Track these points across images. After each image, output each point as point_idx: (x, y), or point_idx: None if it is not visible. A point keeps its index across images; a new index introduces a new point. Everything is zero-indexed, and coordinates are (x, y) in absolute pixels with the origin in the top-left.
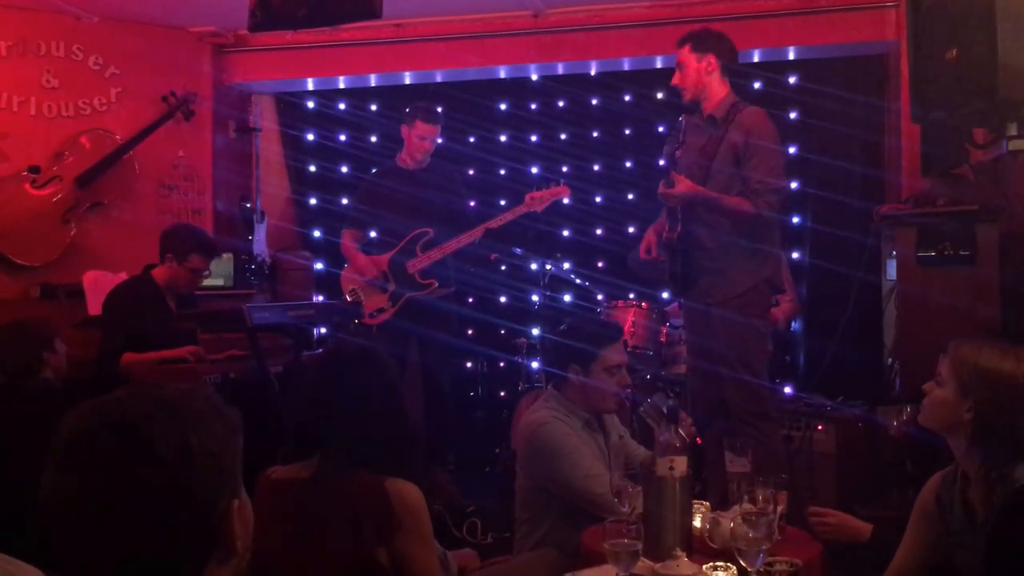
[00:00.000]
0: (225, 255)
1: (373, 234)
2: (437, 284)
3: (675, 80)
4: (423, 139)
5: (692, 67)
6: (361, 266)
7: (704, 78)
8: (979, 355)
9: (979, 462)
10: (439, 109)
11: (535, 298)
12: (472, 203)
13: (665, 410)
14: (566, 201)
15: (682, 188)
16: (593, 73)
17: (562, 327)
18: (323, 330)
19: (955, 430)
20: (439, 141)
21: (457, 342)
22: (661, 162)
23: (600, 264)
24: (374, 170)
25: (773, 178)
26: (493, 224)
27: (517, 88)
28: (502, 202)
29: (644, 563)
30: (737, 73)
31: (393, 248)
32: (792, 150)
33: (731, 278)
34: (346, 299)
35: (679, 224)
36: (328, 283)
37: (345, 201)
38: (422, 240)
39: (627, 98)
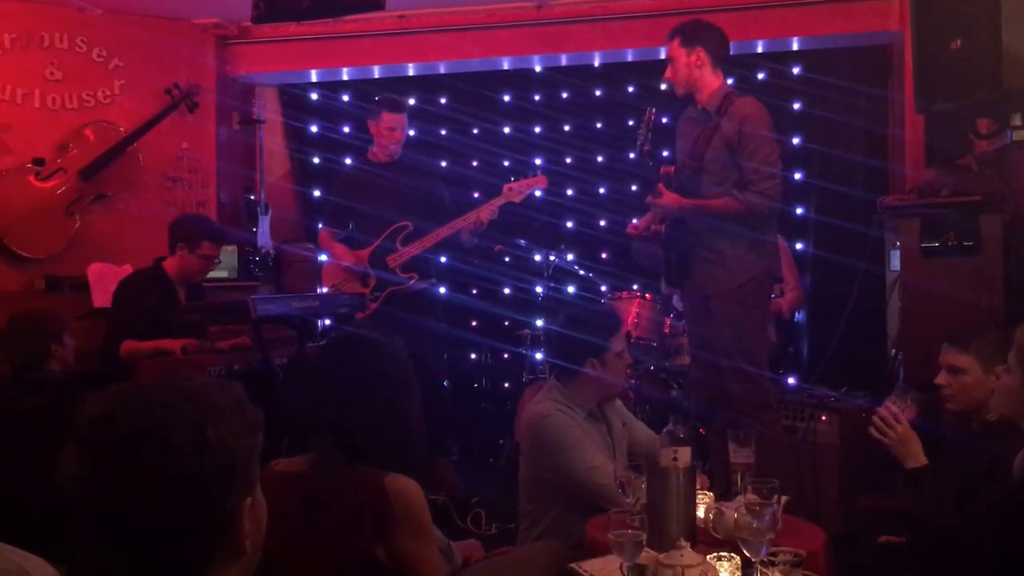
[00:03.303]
0: (229, 247)
1: (349, 229)
2: (418, 277)
3: (667, 75)
4: (392, 130)
5: (682, 61)
6: (340, 254)
7: (694, 72)
8: None
9: None
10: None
11: (539, 289)
12: (476, 194)
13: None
14: (570, 193)
15: (667, 200)
16: (596, 64)
17: (567, 321)
18: (327, 322)
19: None
20: (442, 132)
21: (447, 330)
22: (631, 155)
23: (604, 255)
24: (348, 166)
25: (768, 166)
26: (470, 218)
27: (520, 79)
28: None
29: (648, 553)
30: (731, 63)
31: (373, 243)
32: (795, 141)
33: (729, 269)
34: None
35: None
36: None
37: None
38: (402, 234)
39: (630, 89)
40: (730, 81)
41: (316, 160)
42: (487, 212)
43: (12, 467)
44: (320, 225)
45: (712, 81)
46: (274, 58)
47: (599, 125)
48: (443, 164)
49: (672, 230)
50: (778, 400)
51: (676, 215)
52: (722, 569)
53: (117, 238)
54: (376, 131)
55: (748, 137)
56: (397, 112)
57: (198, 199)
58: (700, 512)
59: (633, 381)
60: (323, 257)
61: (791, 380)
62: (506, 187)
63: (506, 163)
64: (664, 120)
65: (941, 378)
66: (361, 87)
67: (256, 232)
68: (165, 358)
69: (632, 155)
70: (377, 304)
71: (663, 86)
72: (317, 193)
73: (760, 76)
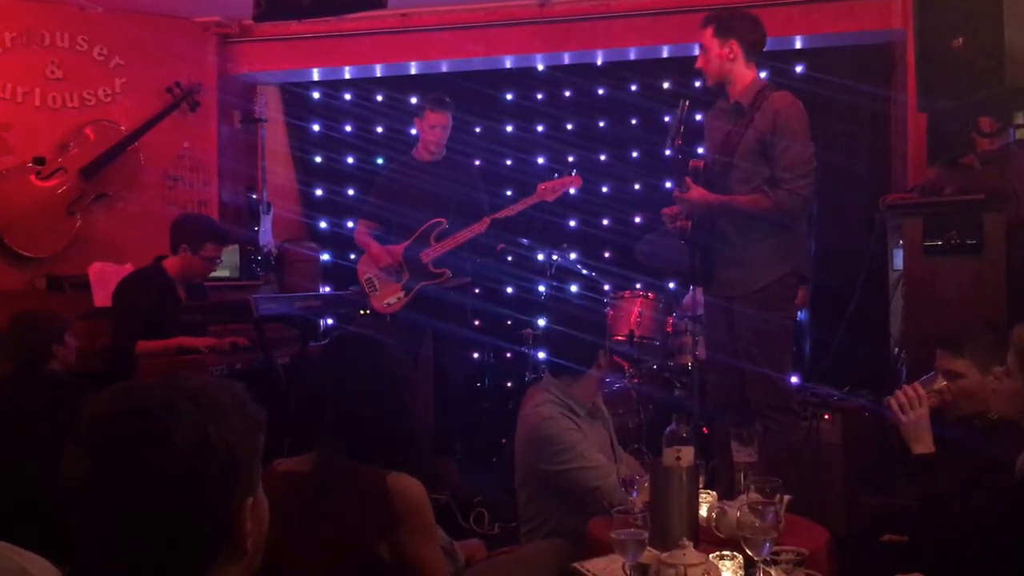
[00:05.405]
0: (231, 246)
1: (389, 225)
2: (450, 274)
3: (698, 64)
4: (434, 128)
5: (714, 52)
6: (376, 255)
7: (726, 64)
8: None
9: None
10: (447, 98)
11: (542, 288)
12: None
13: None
14: (572, 191)
15: (695, 196)
16: (599, 63)
17: (573, 319)
18: (330, 321)
19: None
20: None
21: (469, 334)
22: (667, 152)
23: (607, 254)
24: (392, 164)
25: (800, 165)
26: (504, 214)
27: (523, 78)
28: (508, 192)
29: (650, 552)
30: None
31: (408, 239)
32: None
33: (754, 271)
34: (363, 288)
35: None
36: (335, 274)
37: (351, 192)
38: (436, 230)
39: (633, 88)
40: (763, 74)
41: (318, 159)
42: (519, 210)
43: (14, 466)
44: (358, 220)
45: (745, 74)
46: (276, 57)
47: (602, 124)
48: (477, 163)
49: (697, 227)
50: (800, 403)
51: (703, 212)
52: (724, 568)
53: (118, 237)
54: (420, 128)
55: (782, 134)
56: (440, 111)
57: (199, 198)
58: (703, 511)
59: (636, 380)
60: (325, 256)
61: (794, 379)
62: (540, 186)
63: (508, 162)
64: (667, 119)
65: (939, 384)
66: (363, 86)
67: (258, 231)
68: (167, 359)
69: (668, 152)
70: (407, 300)
71: (666, 84)
72: (319, 192)
73: (763, 75)
